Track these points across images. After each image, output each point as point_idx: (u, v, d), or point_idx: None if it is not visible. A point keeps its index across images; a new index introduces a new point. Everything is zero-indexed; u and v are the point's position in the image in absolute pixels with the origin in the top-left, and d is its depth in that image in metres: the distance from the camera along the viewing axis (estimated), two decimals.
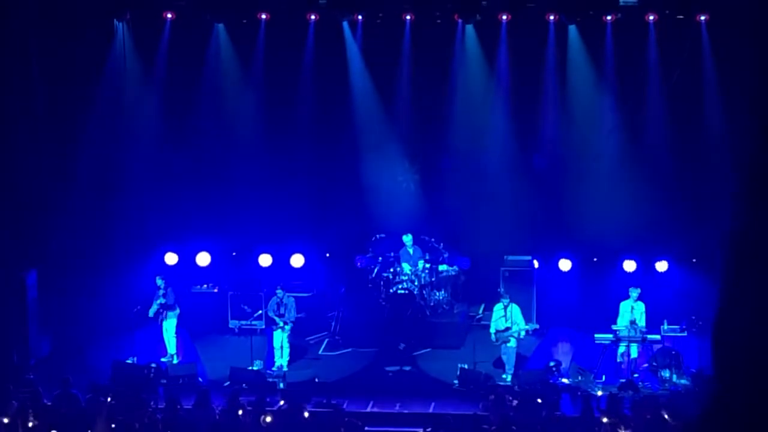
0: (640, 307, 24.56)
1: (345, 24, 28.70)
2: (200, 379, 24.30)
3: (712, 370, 3.63)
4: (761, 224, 3.47)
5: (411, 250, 28.07)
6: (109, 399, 20.74)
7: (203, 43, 28.78)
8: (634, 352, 24.46)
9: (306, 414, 19.95)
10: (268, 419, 19.68)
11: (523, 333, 24.68)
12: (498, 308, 24.86)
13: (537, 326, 26.01)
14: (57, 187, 27.45)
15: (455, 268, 28.49)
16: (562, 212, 28.62)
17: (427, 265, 27.91)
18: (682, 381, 23.59)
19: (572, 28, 28.06)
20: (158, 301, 25.51)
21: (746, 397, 3.43)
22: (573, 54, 28.32)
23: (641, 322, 24.42)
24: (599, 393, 22.82)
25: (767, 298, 3.47)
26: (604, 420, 19.30)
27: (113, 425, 19.01)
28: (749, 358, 3.45)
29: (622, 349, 24.44)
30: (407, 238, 28.06)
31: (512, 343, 24.52)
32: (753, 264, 3.46)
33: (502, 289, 25.95)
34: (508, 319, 24.56)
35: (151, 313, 25.47)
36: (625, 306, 24.65)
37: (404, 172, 29.74)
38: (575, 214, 28.44)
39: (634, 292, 24.66)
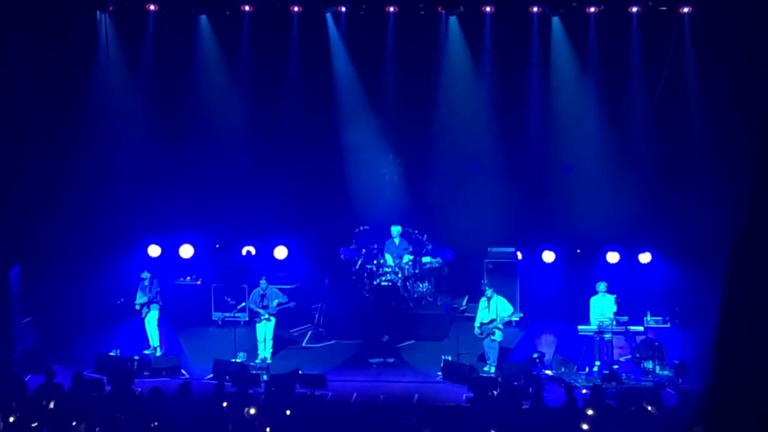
0: (610, 300, 24.56)
1: (328, 16, 28.69)
2: (183, 371, 24.30)
3: (713, 368, 3.64)
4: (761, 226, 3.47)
5: (397, 241, 28.06)
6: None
7: (187, 35, 28.73)
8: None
9: (288, 412, 19.94)
10: (252, 411, 19.66)
11: (505, 318, 24.64)
12: (482, 301, 24.90)
13: (521, 314, 26.04)
14: (41, 180, 27.39)
15: (439, 259, 28.50)
16: (545, 204, 28.66)
17: (411, 257, 27.93)
18: (665, 372, 23.67)
19: (555, 20, 28.10)
20: (138, 297, 25.52)
21: (746, 394, 3.44)
22: (557, 46, 28.35)
23: (610, 314, 24.42)
24: (583, 389, 22.90)
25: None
26: (589, 412, 19.32)
27: (97, 417, 18.97)
28: (750, 356, 3.45)
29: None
30: (396, 229, 28.05)
31: (498, 336, 24.48)
32: (753, 264, 3.47)
33: (485, 281, 25.95)
34: (491, 310, 24.59)
35: (137, 305, 25.48)
36: (595, 301, 24.64)
37: (388, 164, 29.75)
38: (559, 206, 28.49)
39: (602, 286, 24.68)
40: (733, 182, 26.60)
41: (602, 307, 24.46)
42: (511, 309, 24.87)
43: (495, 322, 24.51)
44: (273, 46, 28.83)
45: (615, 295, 24.57)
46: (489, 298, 24.66)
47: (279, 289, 25.96)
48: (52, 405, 19.67)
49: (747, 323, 3.46)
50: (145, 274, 25.62)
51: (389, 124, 29.36)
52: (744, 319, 3.46)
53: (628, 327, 24.36)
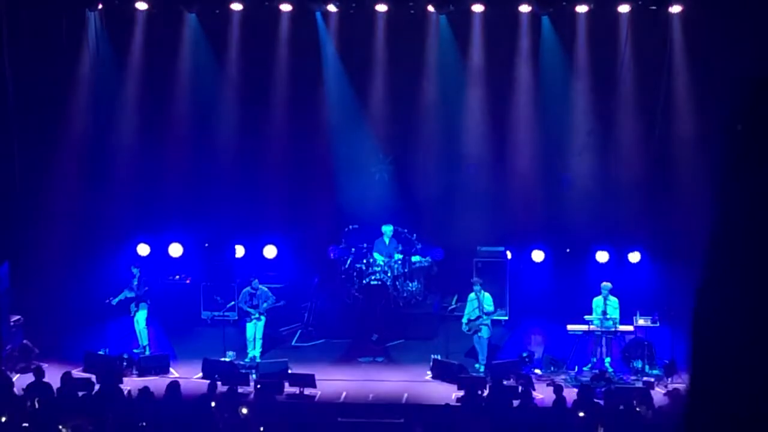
0: (614, 302, 24.59)
1: (318, 15, 28.66)
2: (172, 370, 24.29)
3: (689, 366, 3.62)
4: (737, 215, 3.45)
5: (387, 240, 28.04)
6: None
7: (176, 34, 28.69)
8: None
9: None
10: (244, 411, 19.67)
11: (489, 310, 24.76)
12: (471, 298, 24.97)
13: (506, 315, 26.16)
14: (30, 178, 27.37)
15: (428, 259, 28.47)
16: (535, 203, 28.67)
17: (400, 256, 27.92)
18: (654, 372, 23.72)
19: (545, 20, 28.11)
20: (125, 294, 25.51)
21: (723, 395, 3.41)
22: (546, 45, 28.36)
23: (615, 315, 24.45)
24: (571, 384, 22.97)
25: (747, 290, 3.46)
26: (580, 414, 19.36)
27: (86, 416, 18.94)
28: (727, 354, 3.43)
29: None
30: (387, 228, 28.01)
31: (484, 332, 24.58)
32: (730, 256, 3.45)
33: (475, 278, 25.93)
34: (478, 307, 24.70)
35: (114, 301, 25.43)
36: (597, 302, 24.69)
37: (377, 163, 29.72)
38: (548, 205, 28.50)
39: (605, 289, 24.69)
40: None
41: (603, 308, 24.50)
42: (492, 303, 24.92)
43: (481, 319, 24.59)
44: (262, 45, 28.80)
45: (617, 298, 24.66)
46: (477, 294, 24.77)
47: (267, 287, 25.95)
48: (37, 404, 19.64)
49: (722, 325, 3.45)
50: (135, 270, 25.65)
51: (379, 122, 29.34)
52: (719, 321, 3.45)
53: (617, 329, 24.42)
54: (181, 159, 29.06)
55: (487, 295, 24.94)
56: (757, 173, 3.45)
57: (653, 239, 27.63)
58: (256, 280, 25.50)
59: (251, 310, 25.20)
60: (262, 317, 25.23)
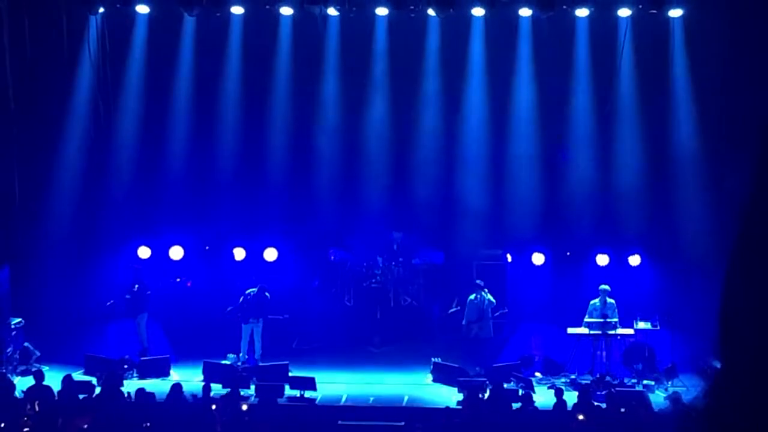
0: (612, 305, 24.60)
1: (318, 18, 28.64)
2: (173, 372, 24.32)
3: (718, 365, 3.62)
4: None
5: (396, 247, 28.07)
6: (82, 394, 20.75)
7: (176, 36, 28.70)
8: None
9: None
10: (244, 407, 19.71)
11: (489, 296, 24.88)
12: (470, 299, 25.00)
13: (505, 311, 26.27)
14: (30, 181, 27.39)
15: (428, 261, 28.48)
16: (535, 206, 28.65)
17: (400, 259, 27.94)
18: (654, 375, 23.74)
19: (545, 22, 28.09)
20: (127, 296, 25.65)
21: (752, 393, 3.41)
22: (546, 48, 28.35)
23: (614, 318, 24.49)
24: (571, 387, 23.00)
25: None
26: (579, 417, 19.38)
27: (87, 418, 18.97)
28: (756, 354, 3.43)
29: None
30: (398, 235, 28.09)
31: (485, 334, 24.61)
32: (758, 257, 3.44)
33: (479, 280, 25.94)
34: (480, 308, 24.75)
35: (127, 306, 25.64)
36: (594, 304, 24.70)
37: (378, 165, 29.68)
38: (549, 208, 28.49)
39: (604, 292, 24.69)
40: (723, 185, 26.70)
41: (603, 310, 24.53)
42: (492, 298, 25.07)
43: (482, 321, 24.64)
44: (262, 48, 28.80)
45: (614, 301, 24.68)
46: (477, 296, 24.83)
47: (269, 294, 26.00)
48: (37, 407, 19.68)
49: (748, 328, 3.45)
50: (135, 273, 25.84)
51: (379, 125, 29.32)
52: (745, 324, 3.45)
53: (616, 331, 24.45)
54: (182, 162, 29.06)
55: (489, 296, 25.03)
56: None
57: (653, 242, 27.63)
58: (261, 287, 25.61)
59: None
60: (260, 320, 25.30)
